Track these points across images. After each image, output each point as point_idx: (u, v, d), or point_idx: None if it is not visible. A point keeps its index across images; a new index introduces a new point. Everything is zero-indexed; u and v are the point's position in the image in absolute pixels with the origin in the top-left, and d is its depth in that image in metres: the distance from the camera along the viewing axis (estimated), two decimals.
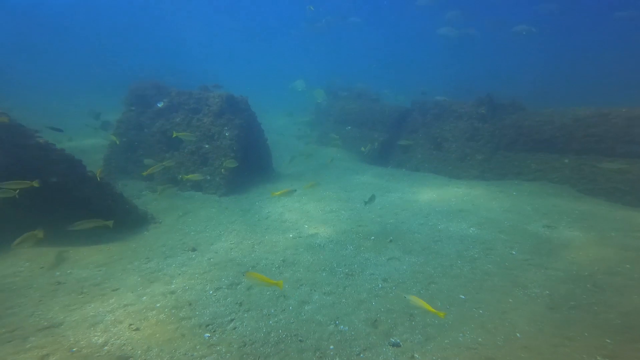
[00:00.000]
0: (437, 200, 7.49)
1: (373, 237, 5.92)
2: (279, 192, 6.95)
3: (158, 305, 3.91)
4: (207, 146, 8.16)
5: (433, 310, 3.11)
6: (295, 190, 7.46)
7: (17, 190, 4.65)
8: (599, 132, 7.26)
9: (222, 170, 7.89)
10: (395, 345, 3.34)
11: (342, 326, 3.61)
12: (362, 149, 10.43)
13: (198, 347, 3.26)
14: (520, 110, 9.16)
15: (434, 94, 12.60)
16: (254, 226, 6.51)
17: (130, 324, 3.54)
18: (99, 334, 3.40)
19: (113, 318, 3.65)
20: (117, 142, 8.67)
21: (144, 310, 3.79)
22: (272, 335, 3.45)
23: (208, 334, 3.46)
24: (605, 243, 5.14)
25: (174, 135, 7.84)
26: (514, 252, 5.09)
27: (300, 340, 3.39)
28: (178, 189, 8.30)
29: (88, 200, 5.58)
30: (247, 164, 8.39)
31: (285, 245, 5.67)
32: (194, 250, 5.55)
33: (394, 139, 11.38)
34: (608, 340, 3.20)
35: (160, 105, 8.66)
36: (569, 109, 8.17)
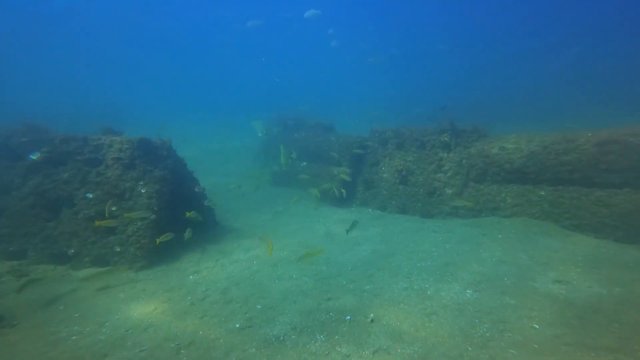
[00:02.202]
0: (416, 251, 6.31)
1: (349, 317, 4.46)
2: None
3: None
4: (113, 209, 6.15)
5: None
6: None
7: None
8: (571, 161, 6.78)
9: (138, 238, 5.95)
10: None
11: None
12: (315, 192, 9.11)
13: None
14: (483, 136, 8.62)
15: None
16: (185, 314, 4.69)
17: None
18: None
19: None
20: None
21: None
22: None
23: None
24: None
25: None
26: (536, 326, 3.94)
27: None
28: (70, 267, 6.09)
29: None
30: (175, 223, 6.54)
31: (230, 345, 3.98)
32: None
33: (356, 174, 10.29)
34: None
35: (34, 157, 6.41)
36: (535, 135, 7.73)
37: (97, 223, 5.53)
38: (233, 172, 15.37)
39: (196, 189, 7.19)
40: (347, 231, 6.97)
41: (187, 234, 6.07)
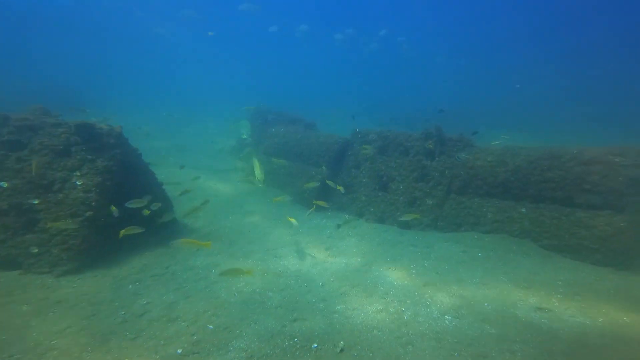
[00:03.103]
0: (394, 268, 5.91)
1: (316, 345, 3.97)
2: None
3: None
4: (35, 202, 5.28)
5: None
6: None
7: None
8: (555, 178, 6.60)
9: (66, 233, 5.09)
10: None
11: None
12: (279, 200, 8.53)
13: None
14: (469, 146, 8.35)
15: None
16: (110, 335, 3.98)
17: None
18: None
19: None
20: None
21: None
22: None
23: None
24: (629, 335, 3.99)
25: None
26: None
27: None
28: None
29: None
30: (126, 222, 5.74)
31: None
32: None
33: (335, 176, 9.79)
34: None
35: None
36: (521, 148, 7.52)
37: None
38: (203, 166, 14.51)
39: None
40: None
41: (126, 231, 5.22)
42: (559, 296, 4.81)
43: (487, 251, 6.34)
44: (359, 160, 9.73)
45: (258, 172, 7.77)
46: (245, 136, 9.70)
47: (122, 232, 5.20)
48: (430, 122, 8.79)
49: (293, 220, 7.06)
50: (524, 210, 6.95)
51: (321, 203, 7.92)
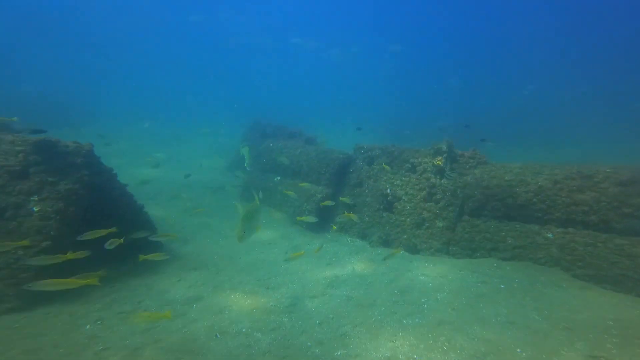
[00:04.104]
0: (402, 302, 5.04)
1: None
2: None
3: None
4: None
5: None
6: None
7: None
8: (588, 201, 5.80)
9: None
10: None
11: None
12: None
13: None
14: (483, 163, 7.61)
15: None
16: None
17: None
18: None
19: None
20: None
21: None
22: None
23: None
24: None
25: None
26: None
27: None
28: None
29: None
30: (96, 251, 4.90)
31: None
32: None
33: (336, 194, 9.04)
34: None
35: None
36: (542, 166, 6.77)
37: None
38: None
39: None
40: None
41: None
42: (614, 340, 3.88)
43: (510, 282, 5.46)
44: (361, 178, 8.99)
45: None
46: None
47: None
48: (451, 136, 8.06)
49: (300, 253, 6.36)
50: (550, 235, 6.10)
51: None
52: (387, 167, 8.36)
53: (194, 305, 4.90)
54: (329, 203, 7.87)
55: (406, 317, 4.66)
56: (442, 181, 7.73)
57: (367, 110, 31.19)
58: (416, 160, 8.23)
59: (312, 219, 7.29)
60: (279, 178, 10.12)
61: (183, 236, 7.47)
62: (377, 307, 4.96)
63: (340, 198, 8.34)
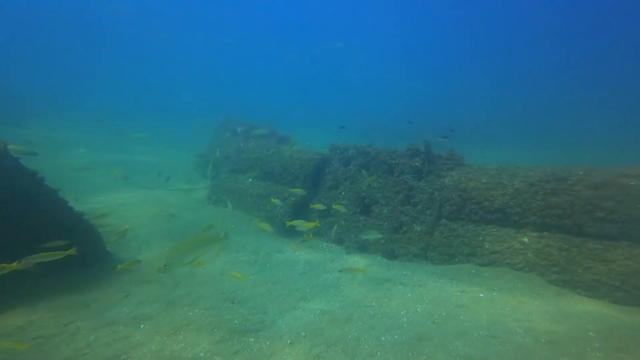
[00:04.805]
0: (380, 315, 4.73)
1: None
2: None
3: None
4: None
5: None
6: None
7: None
8: (562, 204, 5.77)
9: None
10: None
11: None
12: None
13: None
14: (460, 165, 7.48)
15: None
16: None
17: None
18: None
19: None
20: None
21: None
22: None
23: None
24: None
25: None
26: None
27: None
28: None
29: None
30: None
31: None
32: None
33: (310, 196, 8.63)
34: None
35: None
36: (518, 168, 6.71)
37: None
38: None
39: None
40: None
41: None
42: (598, 354, 3.75)
43: (490, 290, 5.31)
44: (337, 180, 8.64)
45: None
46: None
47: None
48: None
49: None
50: (526, 239, 6.03)
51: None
52: (365, 172, 8.05)
53: (141, 326, 4.32)
54: (320, 207, 7.47)
55: (385, 333, 4.34)
56: (419, 183, 7.53)
57: (342, 110, 31.11)
58: (393, 162, 7.99)
59: (301, 226, 6.75)
60: (250, 180, 9.55)
61: (137, 244, 6.77)
62: (353, 323, 4.61)
63: (312, 205, 7.91)
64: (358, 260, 6.73)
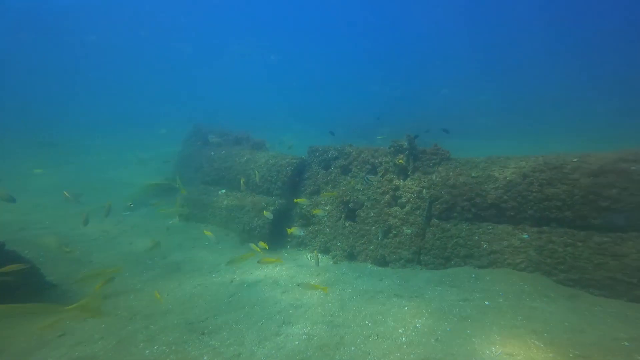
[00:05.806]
0: (376, 335, 4.05)
1: None
2: None
3: None
4: None
5: None
6: None
7: None
8: (560, 195, 5.33)
9: None
10: None
11: None
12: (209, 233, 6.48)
13: None
14: (446, 159, 6.99)
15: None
16: None
17: None
18: None
19: None
20: None
21: None
22: None
23: None
24: None
25: None
26: None
27: None
28: None
29: None
30: None
31: None
32: None
33: (290, 204, 7.92)
34: None
35: None
36: (507, 159, 6.26)
37: None
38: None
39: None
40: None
41: None
42: None
43: (495, 297, 4.74)
44: (318, 184, 7.99)
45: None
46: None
47: None
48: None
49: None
50: (525, 236, 5.55)
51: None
52: (352, 181, 7.45)
53: None
54: (320, 212, 6.80)
55: (382, 358, 3.66)
56: (405, 182, 6.99)
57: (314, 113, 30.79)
58: (376, 161, 7.42)
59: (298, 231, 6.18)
60: (224, 191, 8.73)
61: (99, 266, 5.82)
62: (345, 347, 3.91)
63: (295, 200, 7.22)
64: (346, 273, 6.03)
